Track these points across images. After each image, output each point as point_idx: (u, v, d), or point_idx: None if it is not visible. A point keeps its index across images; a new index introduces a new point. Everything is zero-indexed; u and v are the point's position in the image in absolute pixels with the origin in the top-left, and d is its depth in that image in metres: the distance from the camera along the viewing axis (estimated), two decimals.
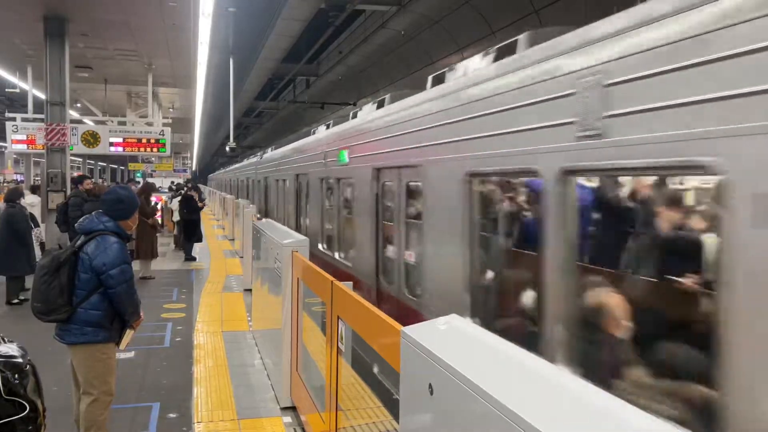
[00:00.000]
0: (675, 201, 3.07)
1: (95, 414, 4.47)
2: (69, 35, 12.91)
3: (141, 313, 4.75)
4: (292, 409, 5.55)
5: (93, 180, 16.94)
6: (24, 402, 3.02)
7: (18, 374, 3.13)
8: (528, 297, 4.09)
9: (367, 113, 8.13)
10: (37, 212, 13.42)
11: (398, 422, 2.40)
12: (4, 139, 20.65)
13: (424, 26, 16.68)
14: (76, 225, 4.79)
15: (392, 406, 3.82)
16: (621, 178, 3.44)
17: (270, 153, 19.90)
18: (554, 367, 1.84)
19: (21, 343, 3.64)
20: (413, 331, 2.31)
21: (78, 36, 13.61)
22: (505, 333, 3.01)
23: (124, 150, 17.44)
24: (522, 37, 4.41)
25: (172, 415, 5.54)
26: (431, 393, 2.03)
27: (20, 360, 3.27)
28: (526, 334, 4.00)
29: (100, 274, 4.38)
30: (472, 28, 15.22)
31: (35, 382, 3.29)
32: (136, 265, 12.56)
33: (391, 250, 6.68)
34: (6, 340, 3.48)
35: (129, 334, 4.68)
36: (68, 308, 4.36)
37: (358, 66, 22.19)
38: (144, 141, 17.35)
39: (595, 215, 3.63)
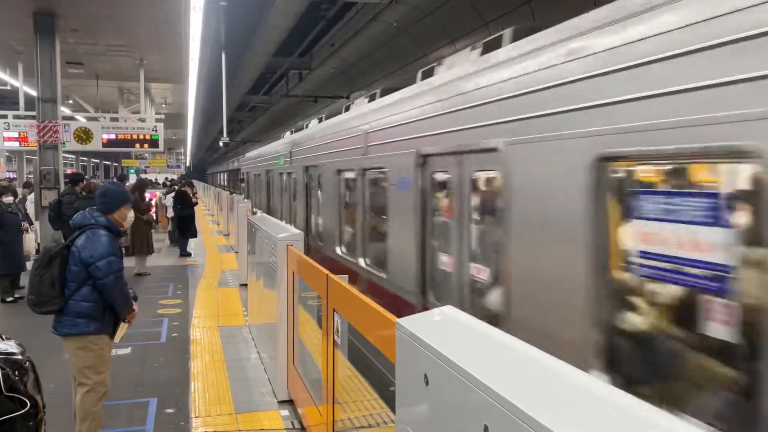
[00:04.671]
0: None
1: (89, 405, 4.54)
2: (59, 31, 12.82)
3: (135, 307, 4.81)
4: (289, 402, 5.58)
5: (87, 177, 16.87)
6: (24, 398, 3.03)
7: (18, 371, 3.14)
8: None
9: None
10: (29, 209, 13.39)
11: (394, 413, 2.43)
12: None
13: (417, 18, 16.64)
14: (70, 221, 4.87)
15: (389, 397, 3.85)
16: None
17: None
18: (549, 355, 1.87)
19: (18, 340, 3.65)
20: (408, 322, 2.33)
21: (68, 32, 13.53)
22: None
23: (117, 146, 17.37)
24: None
25: (169, 410, 5.57)
26: (426, 383, 2.06)
27: (19, 356, 3.28)
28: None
29: (88, 266, 4.49)
30: (465, 19, 15.21)
31: (35, 379, 3.30)
32: (131, 262, 12.56)
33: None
34: (4, 337, 3.48)
35: (123, 328, 4.75)
36: (60, 300, 4.49)
37: (350, 59, 22.13)
38: (137, 137, 17.28)
39: None
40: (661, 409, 1.40)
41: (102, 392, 4.63)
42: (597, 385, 1.60)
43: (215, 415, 5.41)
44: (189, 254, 15.57)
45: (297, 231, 5.89)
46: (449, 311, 2.46)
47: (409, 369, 2.24)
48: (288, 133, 17.60)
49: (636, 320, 3.08)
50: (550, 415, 1.42)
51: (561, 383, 1.66)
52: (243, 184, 27.18)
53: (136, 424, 5.27)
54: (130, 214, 4.99)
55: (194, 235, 16.47)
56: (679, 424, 1.33)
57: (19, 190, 15.46)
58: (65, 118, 17.31)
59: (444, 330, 2.28)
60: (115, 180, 21.07)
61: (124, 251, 12.96)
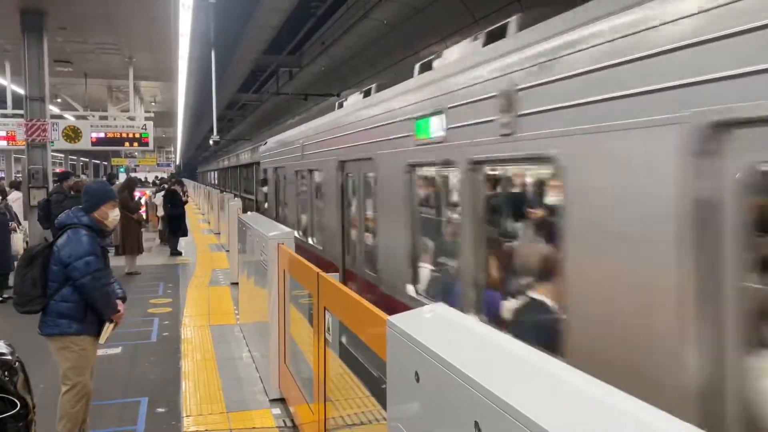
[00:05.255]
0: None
1: (67, 405, 4.51)
2: (47, 29, 12.71)
3: (120, 307, 4.75)
4: (281, 401, 5.58)
5: (77, 176, 16.79)
6: (15, 399, 3.02)
7: (7, 371, 3.13)
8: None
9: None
10: (18, 208, 13.29)
11: (386, 410, 2.44)
12: None
13: (407, 16, 16.63)
14: (55, 221, 4.84)
15: (380, 394, 3.87)
16: None
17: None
18: (538, 352, 1.88)
19: (7, 341, 3.63)
20: (399, 320, 2.34)
21: (56, 30, 13.41)
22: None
23: (106, 145, 17.26)
24: None
25: (160, 410, 5.55)
26: (417, 380, 2.07)
27: (9, 357, 3.27)
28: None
29: (66, 266, 4.46)
30: (455, 16, 15.22)
31: (24, 379, 3.29)
32: (121, 261, 12.51)
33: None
34: None
35: (108, 328, 4.69)
36: (42, 300, 4.49)
37: (341, 57, 22.10)
38: (126, 135, 17.17)
39: None
40: (653, 407, 1.41)
41: (82, 393, 4.58)
42: (587, 382, 1.61)
43: (206, 414, 5.40)
44: (179, 253, 15.51)
45: (288, 229, 5.88)
46: (439, 309, 2.47)
47: (400, 366, 2.25)
48: (372, 88, 7.48)
49: None
50: (539, 411, 1.43)
51: (551, 380, 1.67)
52: (264, 189, 14.79)
53: (127, 424, 5.25)
54: (113, 213, 4.86)
55: (185, 233, 16.41)
56: (670, 422, 1.34)
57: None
58: (53, 116, 17.19)
59: (434, 327, 2.29)
60: (104, 179, 20.96)
61: (114, 250, 12.99)
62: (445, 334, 2.20)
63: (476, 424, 1.64)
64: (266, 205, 14.85)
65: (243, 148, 41.37)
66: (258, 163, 23.66)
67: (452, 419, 1.83)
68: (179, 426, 5.18)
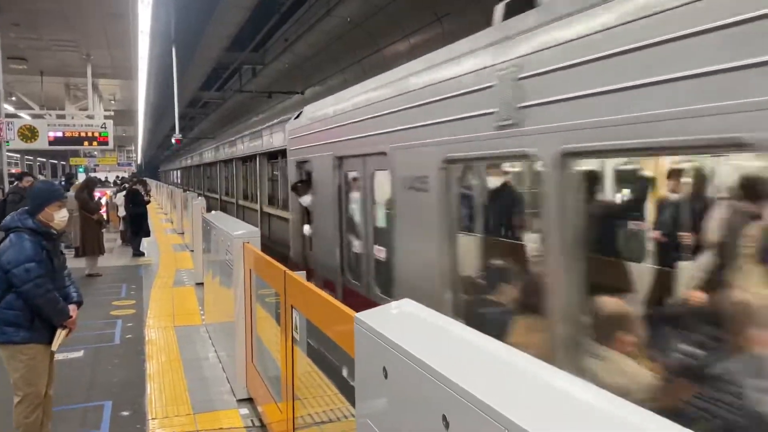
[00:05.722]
0: None
1: (20, 416, 4.34)
2: None
3: (72, 313, 4.51)
4: (249, 400, 5.54)
5: (35, 177, 16.35)
6: None
7: None
8: None
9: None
10: None
11: (354, 407, 2.45)
12: None
13: (370, 13, 16.63)
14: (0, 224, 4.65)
15: (348, 391, 3.88)
16: None
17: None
18: (505, 346, 1.91)
19: None
20: (367, 316, 2.35)
21: (9, 26, 13.06)
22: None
23: (64, 144, 16.87)
24: None
25: (125, 413, 5.45)
26: (385, 376, 2.08)
27: None
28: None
29: (6, 273, 4.25)
30: (418, 14, 15.28)
31: None
32: (81, 263, 12.24)
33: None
34: None
35: (61, 335, 4.45)
36: None
37: (304, 54, 21.99)
38: (85, 134, 16.80)
39: None
40: (623, 400, 1.44)
41: (36, 403, 4.38)
42: (555, 375, 1.64)
43: (173, 416, 5.33)
44: (142, 254, 15.24)
45: (254, 228, 5.83)
46: (406, 305, 2.48)
47: (368, 363, 2.26)
48: None
49: None
50: (506, 403, 1.45)
51: (517, 373, 1.70)
52: (307, 200, 7.64)
53: (91, 428, 5.15)
54: (60, 214, 4.57)
55: (147, 234, 16.14)
56: (637, 415, 1.38)
57: None
58: (8, 115, 16.74)
59: (402, 324, 2.30)
60: (62, 179, 20.45)
61: (75, 252, 12.69)
62: (413, 330, 2.21)
63: (444, 417, 1.66)
64: (312, 235, 7.71)
65: (207, 146, 40.94)
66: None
67: (420, 413, 1.84)
68: (144, 429, 5.10)
